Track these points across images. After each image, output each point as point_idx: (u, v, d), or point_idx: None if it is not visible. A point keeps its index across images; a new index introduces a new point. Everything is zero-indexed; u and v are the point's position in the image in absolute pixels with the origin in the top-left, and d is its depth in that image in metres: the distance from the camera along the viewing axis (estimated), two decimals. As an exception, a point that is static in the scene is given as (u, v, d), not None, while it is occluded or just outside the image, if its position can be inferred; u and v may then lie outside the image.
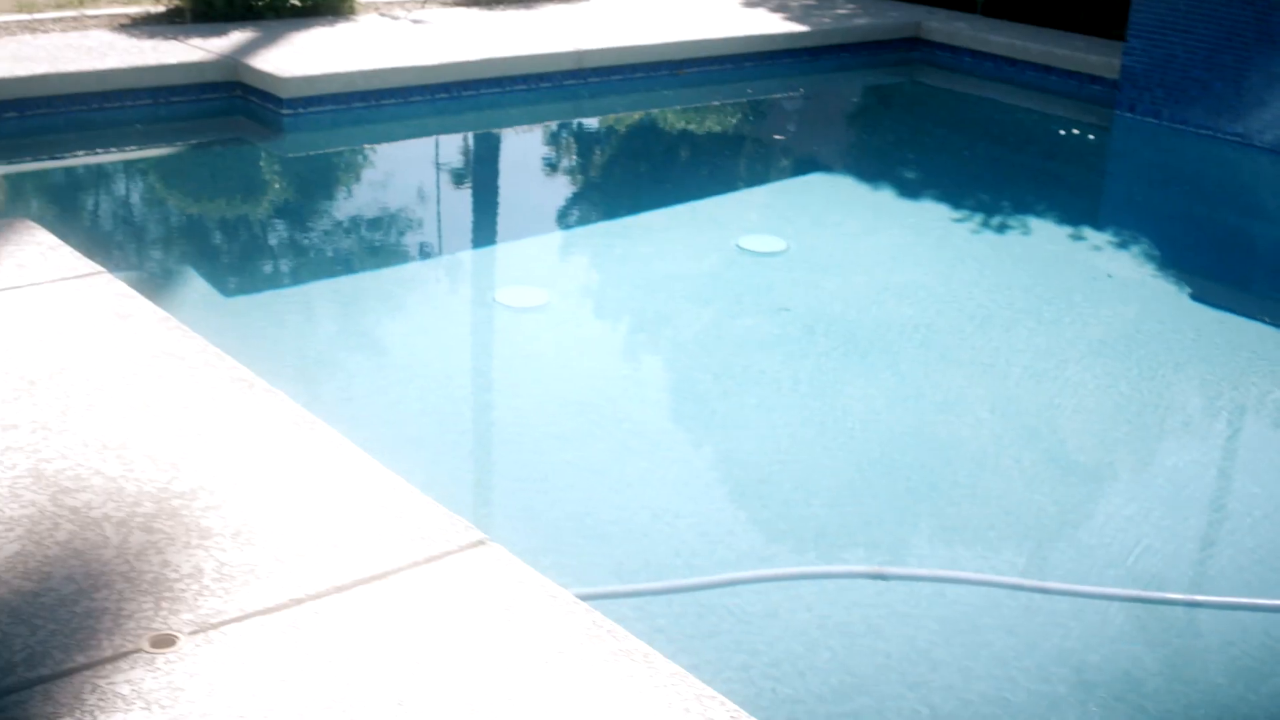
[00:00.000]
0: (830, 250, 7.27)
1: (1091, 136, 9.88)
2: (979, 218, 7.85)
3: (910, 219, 7.89)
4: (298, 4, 10.12)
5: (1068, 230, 7.83)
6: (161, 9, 10.02)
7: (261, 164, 8.52)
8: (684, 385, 5.72)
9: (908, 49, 11.26)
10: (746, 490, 4.78)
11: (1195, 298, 6.94)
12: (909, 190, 8.48)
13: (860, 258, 7.19)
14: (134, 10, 10.09)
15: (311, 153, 8.68)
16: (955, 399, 5.53)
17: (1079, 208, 8.46)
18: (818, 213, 8.03)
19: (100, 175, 8.26)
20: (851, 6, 11.84)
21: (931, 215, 7.94)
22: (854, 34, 11.08)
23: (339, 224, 7.58)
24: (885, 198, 8.33)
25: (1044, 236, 7.69)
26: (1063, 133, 9.99)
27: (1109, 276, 7.10)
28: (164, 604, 3.01)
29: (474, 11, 10.79)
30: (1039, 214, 8.08)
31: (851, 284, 6.74)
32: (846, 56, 11.01)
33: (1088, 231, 7.83)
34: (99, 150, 8.36)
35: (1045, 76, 10.46)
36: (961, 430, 5.26)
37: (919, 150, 9.68)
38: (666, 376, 5.86)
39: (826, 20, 11.16)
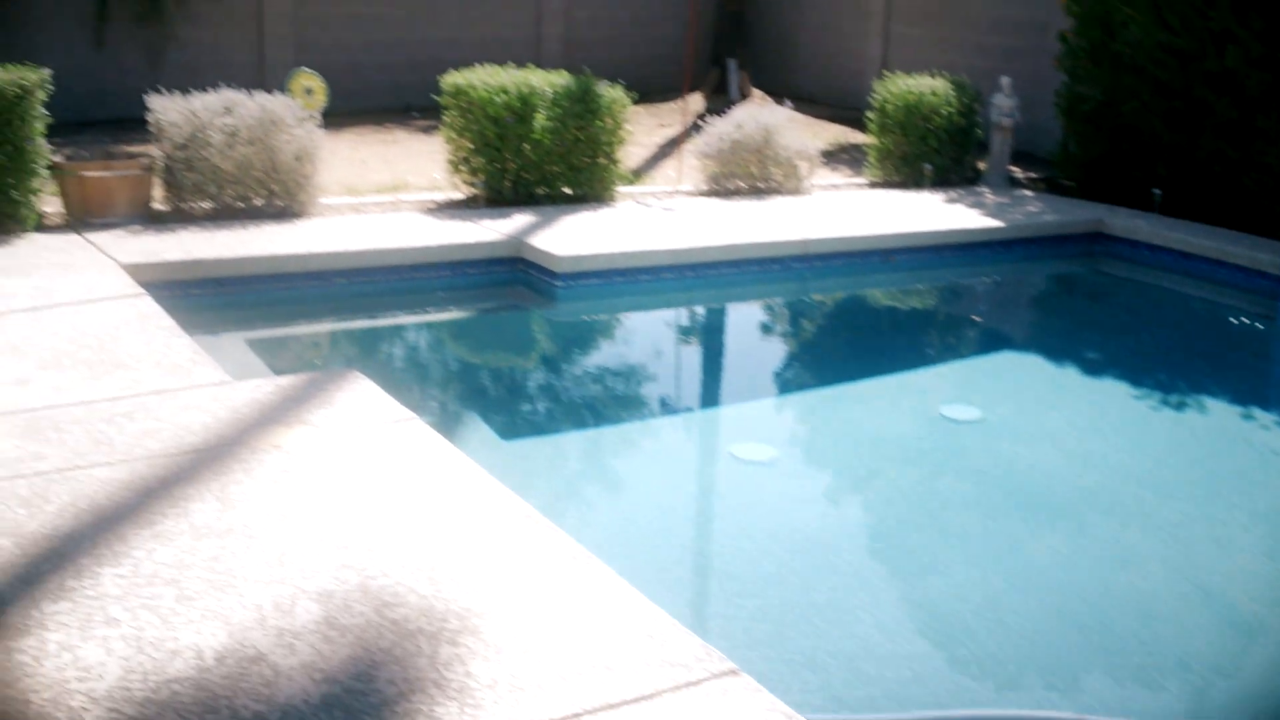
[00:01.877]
0: (1022, 420, 7.19)
1: (1259, 326, 9.57)
2: (1157, 395, 7.67)
3: (1094, 395, 7.76)
4: (569, 192, 10.50)
5: (1238, 410, 7.60)
6: (460, 196, 10.50)
7: (539, 328, 8.81)
8: (892, 535, 5.70)
9: (1091, 242, 11.10)
10: (948, 632, 4.74)
11: (1359, 477, 6.67)
12: (1092, 369, 8.34)
13: (1048, 428, 7.09)
14: (439, 197, 10.60)
15: (580, 319, 8.95)
16: (1134, 558, 5.40)
17: (1249, 390, 8.19)
18: (1010, 386, 7.95)
19: (409, 333, 8.66)
20: (1040, 204, 11.76)
21: (1113, 392, 7.79)
22: (1043, 229, 10.99)
23: (602, 382, 7.80)
24: (1071, 375, 8.21)
25: (1217, 415, 7.48)
26: (1233, 321, 9.71)
27: (1278, 455, 6.86)
28: (468, 709, 3.13)
29: (714, 201, 11.03)
30: (1211, 394, 7.86)
31: (1041, 451, 6.65)
32: (1035, 248, 10.90)
33: (1257, 412, 7.58)
34: (409, 312, 8.77)
35: (1217, 270, 10.20)
36: (1140, 587, 5.13)
37: (1102, 333, 9.51)
38: (877, 527, 5.85)
39: (1019, 216, 11.10)
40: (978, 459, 6.48)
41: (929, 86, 12.41)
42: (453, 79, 10.27)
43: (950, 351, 9.04)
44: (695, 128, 13.00)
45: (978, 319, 10.07)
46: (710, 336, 9.31)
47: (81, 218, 8.83)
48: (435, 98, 10.55)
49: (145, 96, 9.51)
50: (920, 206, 11.23)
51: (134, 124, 12.55)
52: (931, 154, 12.36)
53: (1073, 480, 6.25)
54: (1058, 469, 6.39)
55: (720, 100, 17.11)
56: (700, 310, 9.56)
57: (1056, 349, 8.89)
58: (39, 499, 4.33)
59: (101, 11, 14.45)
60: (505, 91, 10.01)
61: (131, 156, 9.55)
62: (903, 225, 10.35)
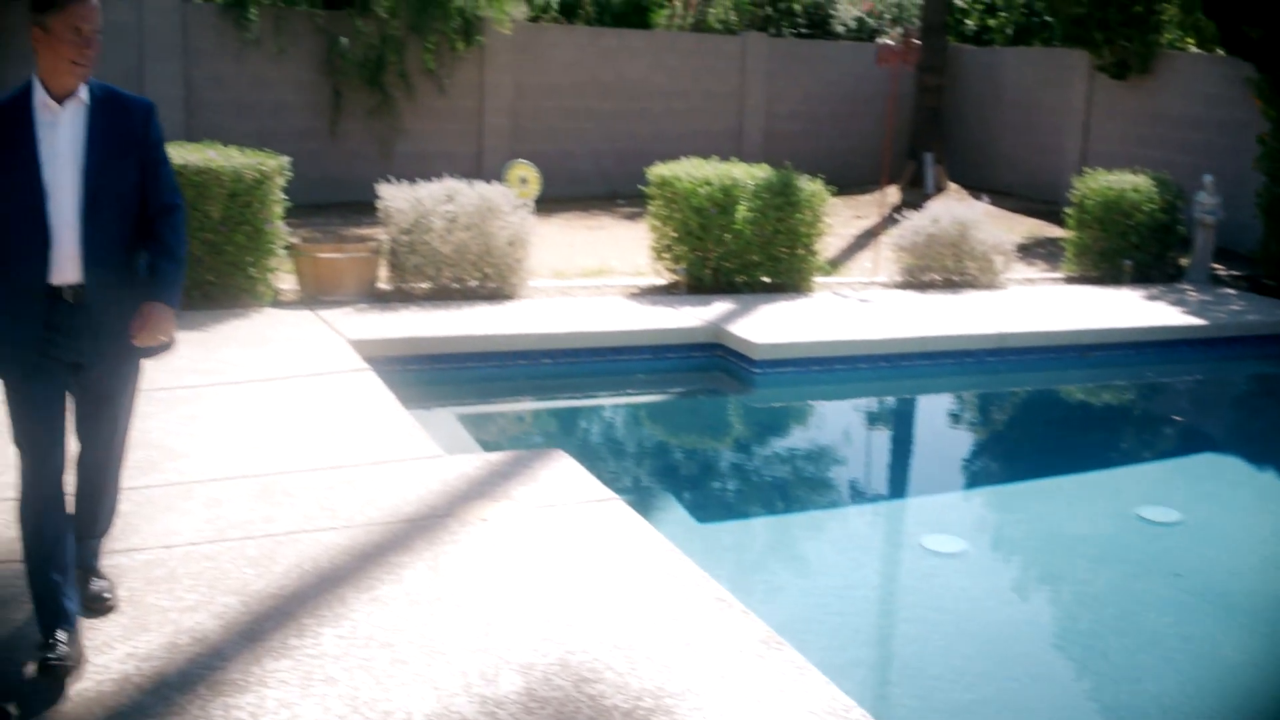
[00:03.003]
0: (1221, 524, 6.87)
1: None
2: (1365, 504, 7.26)
3: (1299, 501, 7.39)
4: (768, 281, 10.54)
5: None
6: (662, 282, 10.66)
7: (736, 413, 8.83)
8: (1083, 635, 5.50)
9: (1296, 343, 10.63)
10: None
11: None
12: (1298, 474, 7.95)
13: (1249, 533, 6.76)
14: (642, 282, 10.78)
15: (776, 405, 8.95)
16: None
17: None
18: (1210, 488, 7.62)
19: (610, 414, 8.79)
20: (1242, 303, 11.31)
21: (1319, 498, 7.41)
22: (1246, 328, 10.55)
23: (796, 468, 7.76)
24: (1273, 478, 7.83)
25: None
26: None
27: None
28: (660, 788, 3.14)
29: (910, 294, 10.94)
30: None
31: (1240, 556, 6.34)
32: (1239, 347, 10.47)
33: None
34: (610, 393, 8.91)
35: None
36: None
37: (1306, 436, 9.07)
38: (1067, 626, 5.65)
39: (1222, 315, 10.70)
40: (1176, 562, 6.22)
41: (1130, 183, 12.12)
42: (659, 170, 10.48)
43: (1148, 451, 8.71)
44: (891, 220, 12.96)
45: (1178, 418, 9.69)
46: (903, 427, 9.18)
47: (314, 295, 9.26)
48: (641, 187, 10.77)
49: (374, 183, 9.97)
50: (1119, 302, 10.93)
51: (362, 207, 13.15)
52: (1132, 250, 12.04)
53: (1273, 586, 5.94)
54: (1258, 575, 6.09)
55: (916, 193, 17.02)
56: (894, 400, 9.45)
57: (1258, 451, 8.49)
58: (267, 559, 4.53)
59: (337, 104, 15.21)
60: (708, 183, 10.15)
61: (360, 239, 10.00)
62: (1101, 321, 10.08)
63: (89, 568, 4.19)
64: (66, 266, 3.73)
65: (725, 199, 10.14)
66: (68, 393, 3.88)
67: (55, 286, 3.73)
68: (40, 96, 3.69)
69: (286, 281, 9.48)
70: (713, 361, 9.00)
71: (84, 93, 3.75)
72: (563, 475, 5.60)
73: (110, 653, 3.81)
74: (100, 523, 4.23)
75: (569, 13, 20.09)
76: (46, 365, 3.77)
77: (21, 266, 3.70)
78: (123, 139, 3.81)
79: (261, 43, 14.81)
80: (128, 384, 4.03)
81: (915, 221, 11.43)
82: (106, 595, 4.12)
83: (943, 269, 11.36)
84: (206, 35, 14.65)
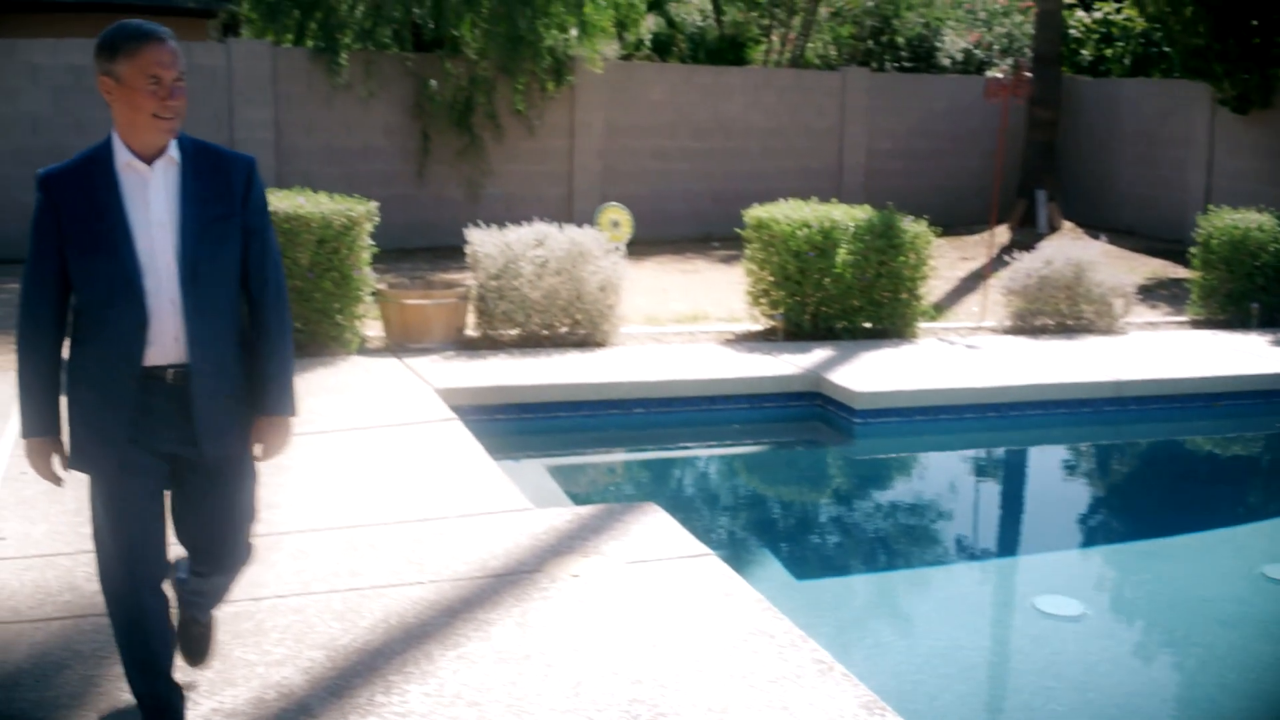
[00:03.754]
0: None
1: None
2: None
3: None
4: (869, 327, 10.52)
5: None
6: (759, 328, 10.69)
7: (836, 465, 8.81)
8: (1206, 702, 5.38)
9: None
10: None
11: None
12: None
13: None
14: (738, 328, 10.82)
15: (878, 457, 8.91)
16: None
17: None
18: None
19: (705, 465, 8.81)
20: (1384, 349, 11.04)
21: None
22: (1384, 375, 10.28)
23: (900, 523, 7.72)
24: None
25: None
26: None
27: None
28: None
29: (1020, 339, 10.84)
30: None
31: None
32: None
33: None
34: (704, 444, 8.94)
35: None
36: None
37: None
38: (1190, 692, 5.53)
39: (1358, 361, 10.44)
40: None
41: (1255, 221, 11.92)
42: (755, 213, 10.54)
43: (1275, 506, 8.51)
44: (1000, 261, 12.86)
45: (1308, 472, 9.47)
46: (1014, 480, 9.08)
47: (400, 342, 9.44)
48: (737, 229, 10.83)
49: (463, 227, 10.17)
50: (1245, 347, 10.73)
51: (450, 252, 13.39)
52: (1258, 292, 11.82)
53: None
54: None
55: (1028, 233, 16.87)
56: (1004, 452, 9.35)
57: (1401, 509, 8.26)
58: (353, 613, 4.62)
59: (425, 147, 15.53)
60: (807, 225, 10.18)
61: (448, 285, 10.17)
62: (1227, 367, 9.89)
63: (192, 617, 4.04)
64: (168, 345, 3.44)
65: (825, 241, 10.16)
66: (166, 490, 3.59)
67: (153, 368, 3.44)
68: (123, 157, 3.38)
69: (373, 328, 9.67)
70: (811, 411, 8.99)
71: (174, 149, 3.42)
72: (655, 530, 5.63)
73: (196, 708, 3.91)
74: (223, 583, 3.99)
75: (662, 50, 20.35)
76: (141, 459, 3.49)
77: (115, 348, 3.41)
78: (223, 200, 3.48)
79: (351, 87, 15.19)
80: (245, 476, 3.71)
81: (1026, 263, 11.34)
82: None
83: (1056, 313, 11.25)
84: (297, 80, 15.07)
